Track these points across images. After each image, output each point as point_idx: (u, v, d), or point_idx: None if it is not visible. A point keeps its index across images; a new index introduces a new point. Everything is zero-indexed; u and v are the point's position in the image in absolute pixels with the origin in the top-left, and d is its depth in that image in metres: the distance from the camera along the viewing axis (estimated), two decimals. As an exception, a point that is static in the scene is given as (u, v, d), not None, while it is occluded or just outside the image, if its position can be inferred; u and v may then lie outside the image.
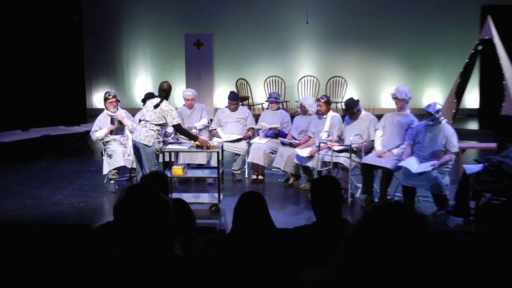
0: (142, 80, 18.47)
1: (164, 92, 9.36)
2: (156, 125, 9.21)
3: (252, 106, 17.53)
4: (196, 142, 9.43)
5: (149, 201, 2.76)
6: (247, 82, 17.85)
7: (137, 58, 18.51)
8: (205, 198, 9.69)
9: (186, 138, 9.78)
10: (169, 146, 9.66)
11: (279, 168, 10.70)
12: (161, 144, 9.49)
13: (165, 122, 9.25)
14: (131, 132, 10.30)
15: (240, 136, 11.03)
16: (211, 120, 11.51)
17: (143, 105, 9.84)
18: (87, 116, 15.85)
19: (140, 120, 9.68)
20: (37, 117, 14.50)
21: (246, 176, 11.28)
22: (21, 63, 14.62)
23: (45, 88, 15.00)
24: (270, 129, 10.95)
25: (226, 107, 11.47)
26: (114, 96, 10.71)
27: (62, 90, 15.31)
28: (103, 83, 18.48)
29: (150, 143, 9.16)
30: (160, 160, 9.76)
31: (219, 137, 10.99)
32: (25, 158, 12.95)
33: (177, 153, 10.53)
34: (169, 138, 10.41)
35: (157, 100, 9.30)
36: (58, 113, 14.96)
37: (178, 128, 9.37)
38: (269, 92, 16.23)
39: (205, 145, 9.44)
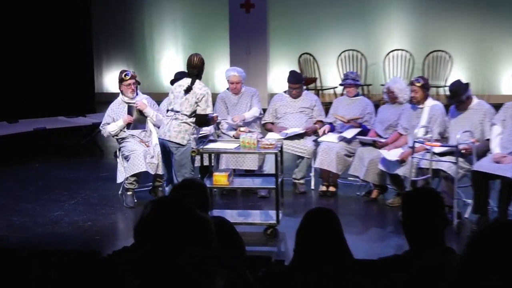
0: (170, 55, 18.61)
1: (196, 69, 9.33)
2: (190, 116, 9.22)
3: (320, 91, 17.54)
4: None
5: (182, 220, 2.77)
6: (313, 58, 17.86)
7: (163, 25, 18.66)
8: (257, 217, 9.73)
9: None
10: (210, 145, 9.64)
11: (358, 177, 10.70)
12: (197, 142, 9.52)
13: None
14: (156, 126, 10.36)
15: (302, 130, 10.98)
16: (264, 111, 11.54)
17: (173, 89, 9.89)
18: (96, 103, 16.05)
19: (167, 110, 9.70)
20: (29, 105, 14.68)
21: (313, 187, 11.28)
22: (6, 34, 14.75)
23: (39, 68, 15.20)
24: (348, 121, 10.90)
25: (285, 92, 11.47)
26: (132, 77, 10.77)
27: (63, 70, 15.51)
28: (117, 59, 18.68)
29: (184, 141, 9.18)
30: (196, 164, 9.79)
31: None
32: (13, 159, 13.15)
33: (218, 155, 10.57)
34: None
35: (187, 81, 9.29)
36: (57, 100, 15.13)
37: (201, 123, 9.38)
38: (345, 72, 16.21)
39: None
